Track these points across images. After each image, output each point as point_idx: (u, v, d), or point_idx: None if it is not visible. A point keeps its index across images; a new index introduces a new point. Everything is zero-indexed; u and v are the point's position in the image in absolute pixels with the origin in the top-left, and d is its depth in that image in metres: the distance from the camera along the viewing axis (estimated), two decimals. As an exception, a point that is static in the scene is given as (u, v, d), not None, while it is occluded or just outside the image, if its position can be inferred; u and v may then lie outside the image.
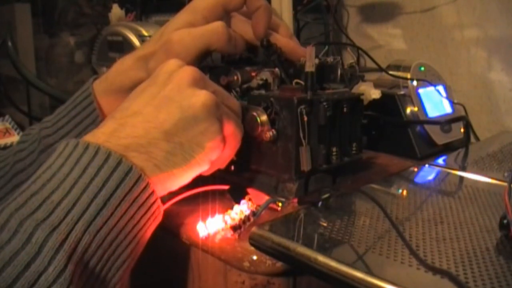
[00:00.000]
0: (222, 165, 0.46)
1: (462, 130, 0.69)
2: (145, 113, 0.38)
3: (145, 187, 0.36)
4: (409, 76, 0.68)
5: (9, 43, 0.85)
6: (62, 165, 0.34)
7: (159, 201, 0.38)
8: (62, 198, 0.33)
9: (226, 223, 0.41)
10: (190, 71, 0.41)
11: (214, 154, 0.41)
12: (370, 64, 0.83)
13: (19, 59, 0.86)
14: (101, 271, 0.33)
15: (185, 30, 0.48)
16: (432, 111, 0.68)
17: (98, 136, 0.37)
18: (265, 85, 0.51)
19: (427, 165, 0.59)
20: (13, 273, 0.29)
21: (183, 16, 0.49)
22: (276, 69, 0.51)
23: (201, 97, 0.39)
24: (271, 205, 0.44)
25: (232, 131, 0.43)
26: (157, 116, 0.38)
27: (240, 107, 0.46)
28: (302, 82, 0.49)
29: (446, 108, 0.71)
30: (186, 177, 0.40)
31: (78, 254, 0.31)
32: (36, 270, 0.29)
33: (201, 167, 0.41)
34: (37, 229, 0.30)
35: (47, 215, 0.31)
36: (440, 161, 0.61)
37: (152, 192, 0.37)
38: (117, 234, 0.34)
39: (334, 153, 0.50)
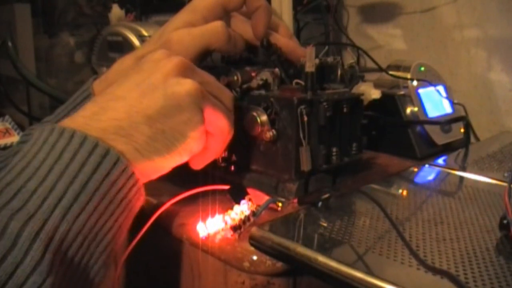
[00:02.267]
0: (212, 158, 0.45)
1: (462, 130, 0.69)
2: (128, 98, 0.38)
3: (124, 170, 0.35)
4: (409, 76, 0.68)
5: (9, 43, 0.85)
6: (37, 152, 0.34)
7: (140, 183, 0.37)
8: (37, 186, 0.32)
9: (226, 223, 0.41)
10: (177, 60, 0.40)
11: (196, 145, 0.41)
12: (370, 64, 0.83)
13: (19, 59, 0.86)
14: (82, 258, 0.33)
15: (185, 30, 0.48)
16: (432, 111, 0.68)
17: (76, 119, 0.36)
18: (265, 85, 0.51)
19: (427, 165, 0.59)
20: None
21: (182, 16, 0.49)
22: (276, 69, 0.51)
23: (185, 86, 0.39)
24: (271, 205, 0.44)
25: (219, 123, 0.42)
26: (140, 101, 0.38)
27: (233, 100, 0.45)
28: (302, 82, 0.49)
29: (446, 108, 0.71)
30: (166, 166, 0.40)
31: (56, 242, 0.31)
32: (13, 261, 0.29)
33: (182, 157, 0.40)
34: (12, 219, 0.30)
35: (22, 204, 0.31)
36: (440, 161, 0.61)
37: (132, 174, 0.36)
38: (97, 219, 0.34)
39: (334, 153, 0.49)
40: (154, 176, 0.40)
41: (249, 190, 0.45)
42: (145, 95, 0.38)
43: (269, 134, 0.47)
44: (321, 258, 0.35)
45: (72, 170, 0.33)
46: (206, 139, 0.42)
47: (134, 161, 0.36)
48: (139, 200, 0.38)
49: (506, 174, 0.54)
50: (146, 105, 0.38)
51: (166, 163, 0.40)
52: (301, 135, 0.46)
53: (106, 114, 0.37)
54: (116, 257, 0.38)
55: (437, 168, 0.59)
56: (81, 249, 0.33)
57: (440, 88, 0.71)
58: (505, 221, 0.38)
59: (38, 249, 0.30)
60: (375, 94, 0.56)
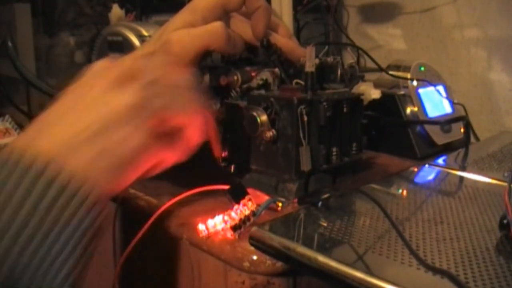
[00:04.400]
0: (193, 147, 0.42)
1: (462, 130, 0.69)
2: (71, 114, 0.36)
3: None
4: (409, 76, 0.68)
5: (9, 43, 0.85)
6: None
7: (92, 198, 0.33)
8: None
9: (226, 223, 0.41)
10: (116, 70, 0.37)
11: (148, 159, 0.38)
12: (370, 64, 0.83)
13: (19, 59, 0.86)
14: None
15: (184, 30, 0.48)
16: (432, 111, 0.68)
17: (19, 139, 0.34)
18: (265, 85, 0.51)
19: (427, 165, 0.59)
20: None
21: (182, 16, 0.49)
22: (276, 69, 0.51)
23: (124, 99, 0.36)
24: (271, 205, 0.44)
25: (182, 122, 0.39)
26: (84, 117, 0.35)
27: (191, 81, 0.41)
28: (302, 82, 0.49)
29: (446, 108, 0.71)
30: (127, 179, 0.37)
31: (4, 273, 0.29)
32: None
33: (136, 173, 0.37)
34: None
35: None
36: (440, 161, 0.61)
37: (78, 191, 0.33)
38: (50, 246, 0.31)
39: (334, 153, 0.49)
40: (122, 186, 0.37)
41: (249, 190, 0.45)
42: (88, 111, 0.36)
43: (269, 134, 0.47)
44: (321, 258, 0.35)
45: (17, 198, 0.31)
46: (177, 135, 0.39)
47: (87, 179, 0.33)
48: (97, 218, 0.34)
49: (506, 174, 0.54)
50: (89, 121, 0.35)
51: (125, 177, 0.36)
52: (301, 135, 0.46)
53: (50, 131, 0.34)
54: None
55: (437, 168, 0.59)
56: (36, 279, 0.30)
57: (440, 88, 0.71)
58: (505, 221, 0.38)
59: None
60: (375, 94, 0.56)
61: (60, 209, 0.32)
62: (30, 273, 0.30)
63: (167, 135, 0.39)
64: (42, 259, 0.31)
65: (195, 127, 0.41)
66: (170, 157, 0.40)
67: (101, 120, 0.35)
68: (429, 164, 0.59)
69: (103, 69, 0.38)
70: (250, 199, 0.43)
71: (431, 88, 0.69)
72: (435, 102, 0.69)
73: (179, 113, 0.39)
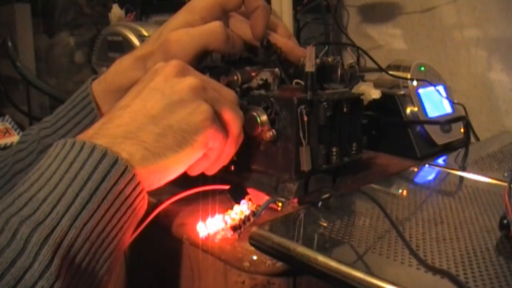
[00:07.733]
0: (227, 159, 0.45)
1: (462, 130, 0.69)
2: (132, 105, 0.39)
3: (131, 179, 0.36)
4: (409, 76, 0.68)
5: (9, 43, 0.85)
6: (50, 164, 0.35)
7: (144, 191, 0.38)
8: (47, 194, 0.33)
9: (226, 223, 0.41)
10: (174, 63, 0.41)
11: (208, 134, 0.40)
12: (370, 64, 0.83)
13: (19, 59, 0.86)
14: (89, 264, 0.33)
15: (183, 30, 0.48)
16: (432, 111, 0.68)
17: (87, 132, 0.38)
18: (265, 85, 0.51)
19: (427, 165, 0.59)
20: None
21: (181, 16, 0.49)
22: (276, 69, 0.51)
23: (186, 82, 0.40)
24: (271, 205, 0.44)
25: (229, 117, 0.43)
26: (144, 105, 0.39)
27: (236, 98, 0.46)
28: (302, 82, 0.49)
29: (446, 108, 0.71)
30: (180, 161, 0.40)
31: (65, 248, 0.31)
32: (22, 266, 0.29)
33: (195, 149, 0.40)
34: (21, 226, 0.31)
35: (32, 211, 0.32)
36: (440, 161, 0.61)
37: (138, 184, 0.37)
38: (104, 226, 0.34)
39: (334, 153, 0.49)
40: (171, 173, 0.40)
41: (249, 190, 0.45)
42: (147, 99, 0.39)
43: (269, 134, 0.47)
44: (321, 258, 0.35)
45: (81, 178, 0.34)
46: (218, 137, 0.42)
47: (145, 161, 0.37)
48: (142, 208, 0.39)
49: (506, 174, 0.54)
50: (149, 107, 0.39)
51: (180, 157, 0.39)
52: (301, 135, 0.46)
53: (113, 123, 0.38)
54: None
55: (437, 168, 0.59)
56: (88, 255, 0.33)
57: (440, 88, 0.71)
58: (505, 221, 0.38)
59: (47, 254, 0.30)
60: (375, 94, 0.56)
61: (113, 197, 0.35)
62: (86, 247, 0.33)
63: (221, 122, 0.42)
64: (99, 234, 0.34)
65: (235, 139, 0.44)
66: (228, 149, 0.44)
67: (160, 104, 0.39)
68: (429, 164, 0.59)
69: (158, 68, 0.42)
70: (250, 199, 0.43)
71: (431, 88, 0.69)
72: (435, 102, 0.69)
73: (232, 112, 0.43)
